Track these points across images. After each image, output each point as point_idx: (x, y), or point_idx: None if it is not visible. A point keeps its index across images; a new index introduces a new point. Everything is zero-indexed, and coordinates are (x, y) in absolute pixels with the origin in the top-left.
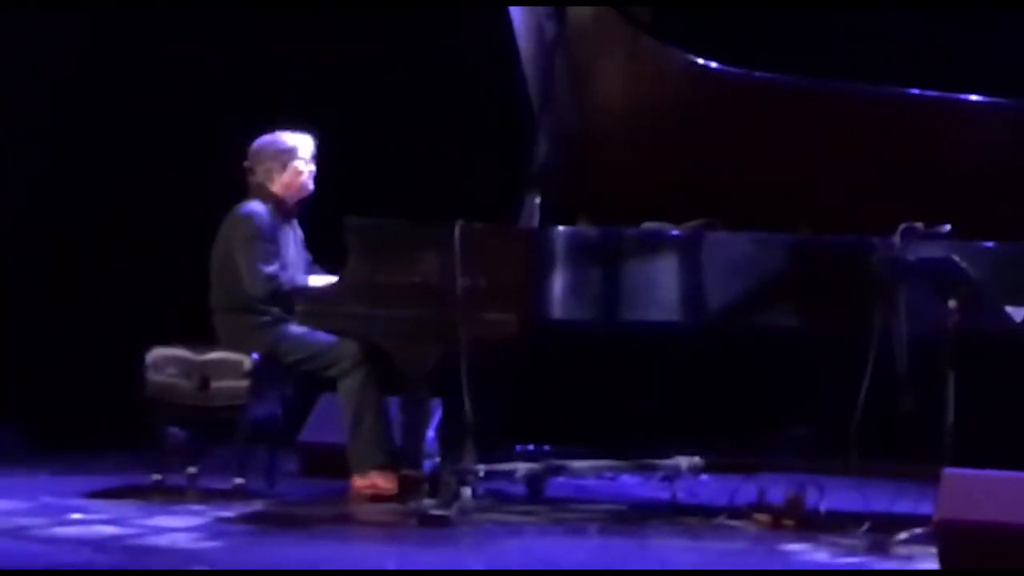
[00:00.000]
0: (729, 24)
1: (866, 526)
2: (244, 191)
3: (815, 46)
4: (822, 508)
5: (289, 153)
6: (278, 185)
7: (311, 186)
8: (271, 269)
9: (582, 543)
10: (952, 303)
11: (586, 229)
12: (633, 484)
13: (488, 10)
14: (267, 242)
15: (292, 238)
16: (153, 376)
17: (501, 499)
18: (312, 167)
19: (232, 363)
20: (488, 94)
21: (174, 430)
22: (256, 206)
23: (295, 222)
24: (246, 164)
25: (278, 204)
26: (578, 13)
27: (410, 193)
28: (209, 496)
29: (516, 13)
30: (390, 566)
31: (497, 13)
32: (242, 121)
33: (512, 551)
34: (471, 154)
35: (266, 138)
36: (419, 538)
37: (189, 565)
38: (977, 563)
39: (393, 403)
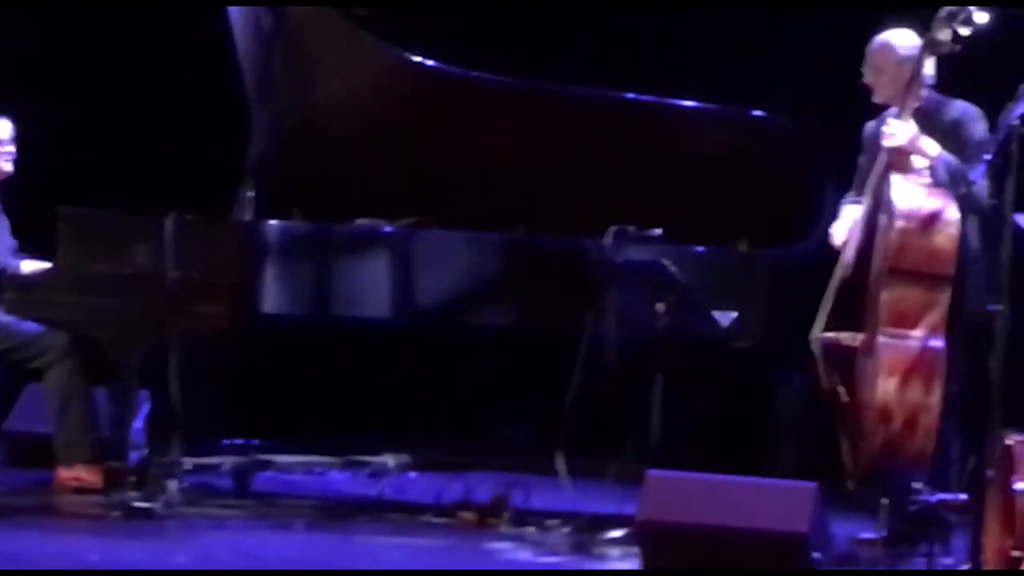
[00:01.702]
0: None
1: (570, 526)
2: None
3: (540, 48)
4: (527, 507)
5: None
6: None
7: (9, 168)
8: None
9: (288, 538)
10: (660, 307)
11: (298, 223)
12: (341, 480)
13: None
14: None
15: None
16: None
17: (208, 493)
18: (10, 149)
19: None
20: (210, 84)
21: None
22: None
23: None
24: None
25: None
26: (296, 10)
27: (126, 183)
28: None
29: (234, 10)
30: (93, 559)
31: (217, 6)
32: None
33: (218, 545)
34: (190, 143)
35: None
36: (124, 531)
37: None
38: (679, 563)
39: (101, 394)
